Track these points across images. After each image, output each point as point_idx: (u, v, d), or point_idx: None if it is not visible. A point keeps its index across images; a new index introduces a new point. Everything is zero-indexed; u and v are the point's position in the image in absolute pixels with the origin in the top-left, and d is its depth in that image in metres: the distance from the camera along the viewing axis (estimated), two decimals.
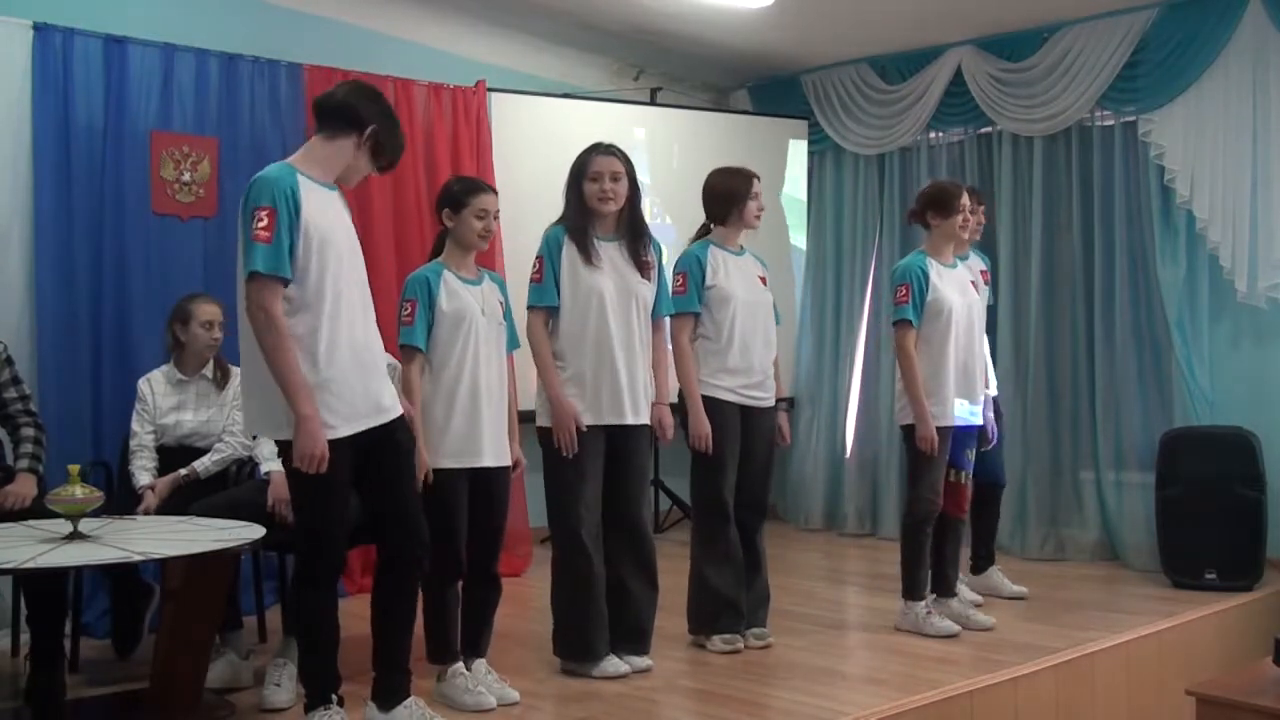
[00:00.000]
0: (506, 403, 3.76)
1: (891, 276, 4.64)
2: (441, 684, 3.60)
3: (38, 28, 4.69)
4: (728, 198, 4.28)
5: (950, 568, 4.62)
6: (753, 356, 4.22)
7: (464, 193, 3.72)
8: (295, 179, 3.06)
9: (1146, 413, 5.86)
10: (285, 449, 3.09)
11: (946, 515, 4.55)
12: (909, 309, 4.43)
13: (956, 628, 4.41)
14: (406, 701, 3.25)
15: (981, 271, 5.03)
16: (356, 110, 3.16)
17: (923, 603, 4.47)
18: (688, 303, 4.19)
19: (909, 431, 4.45)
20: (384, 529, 3.26)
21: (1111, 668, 4.25)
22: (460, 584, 3.70)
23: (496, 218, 3.76)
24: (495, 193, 3.78)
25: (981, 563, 5.13)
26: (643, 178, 4.08)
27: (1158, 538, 5.43)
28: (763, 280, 4.34)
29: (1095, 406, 5.99)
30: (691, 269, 4.22)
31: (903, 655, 4.17)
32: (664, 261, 4.16)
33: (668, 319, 4.13)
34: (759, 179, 4.33)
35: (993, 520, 5.19)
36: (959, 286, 4.55)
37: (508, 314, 3.82)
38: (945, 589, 4.59)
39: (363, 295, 3.22)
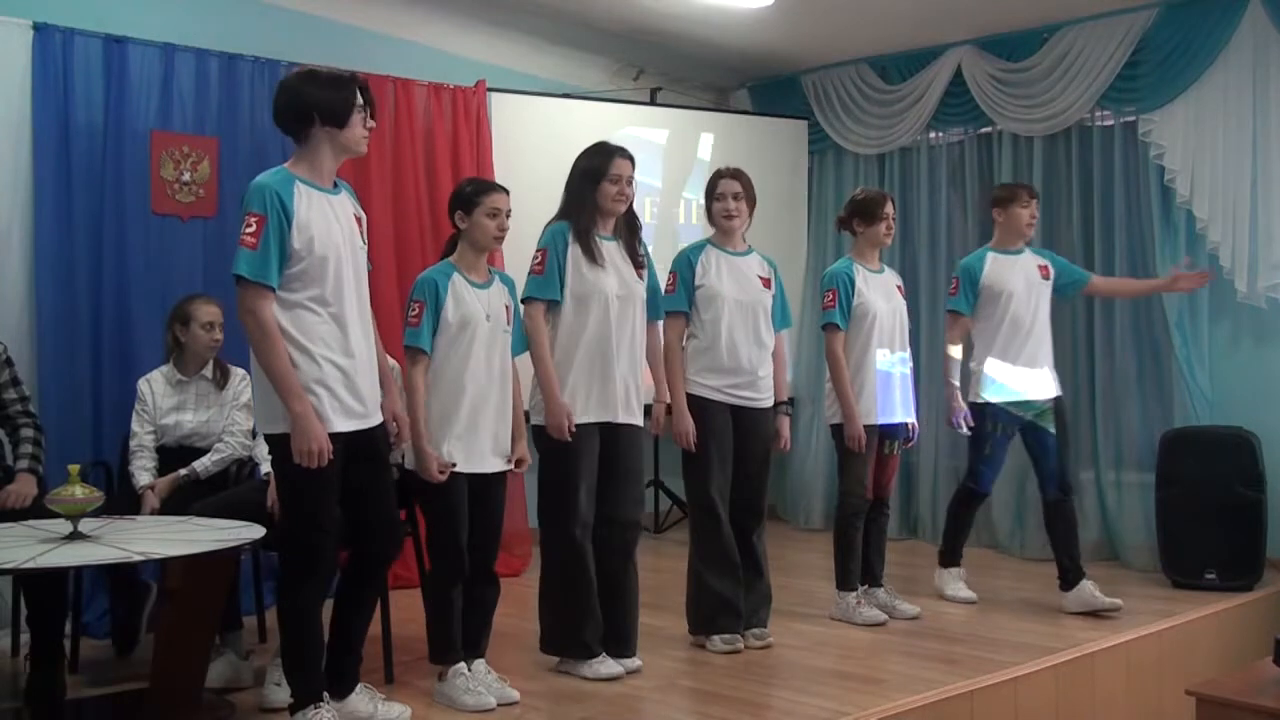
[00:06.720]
0: (510, 405, 3.74)
1: (820, 282, 4.73)
2: (442, 684, 3.60)
3: (38, 28, 4.68)
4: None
5: (875, 558, 4.75)
6: (741, 356, 4.22)
7: (475, 193, 3.71)
8: (290, 186, 3.10)
9: (1146, 413, 5.87)
10: (278, 444, 3.11)
11: (873, 503, 4.70)
12: (836, 313, 4.59)
13: (884, 616, 4.59)
14: (357, 687, 3.36)
15: (1041, 266, 5.01)
16: (294, 108, 3.16)
17: (854, 593, 4.63)
18: (676, 302, 4.23)
19: (837, 430, 4.61)
20: (364, 531, 3.31)
21: (1111, 668, 4.25)
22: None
23: (509, 216, 3.74)
24: (507, 192, 3.77)
25: (1070, 576, 4.78)
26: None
27: (1158, 538, 5.42)
28: (765, 281, 4.33)
29: (1095, 406, 5.99)
30: (681, 269, 4.27)
31: (903, 655, 4.18)
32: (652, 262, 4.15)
33: (659, 322, 4.14)
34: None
35: (1069, 531, 4.82)
36: (884, 292, 4.70)
37: (516, 318, 3.81)
38: (872, 579, 4.74)
39: (360, 297, 3.23)
